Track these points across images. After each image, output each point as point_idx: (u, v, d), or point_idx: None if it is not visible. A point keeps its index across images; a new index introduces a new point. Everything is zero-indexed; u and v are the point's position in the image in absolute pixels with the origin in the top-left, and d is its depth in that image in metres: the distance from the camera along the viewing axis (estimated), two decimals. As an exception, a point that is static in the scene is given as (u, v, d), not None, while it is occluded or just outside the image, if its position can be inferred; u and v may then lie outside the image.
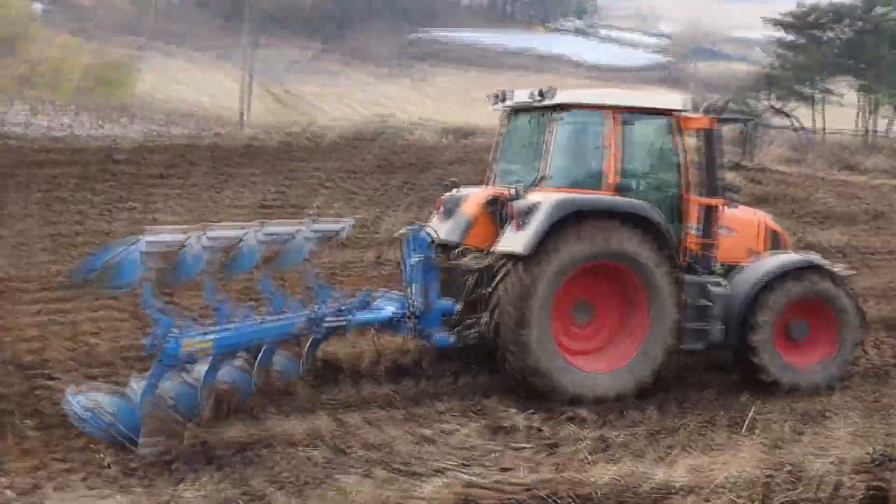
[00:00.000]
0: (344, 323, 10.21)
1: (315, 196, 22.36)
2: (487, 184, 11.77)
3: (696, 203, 11.30)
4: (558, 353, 10.35)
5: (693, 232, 11.31)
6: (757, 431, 9.74)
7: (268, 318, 9.76)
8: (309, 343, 10.51)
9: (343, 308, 10.28)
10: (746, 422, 9.92)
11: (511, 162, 11.67)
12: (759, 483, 8.16)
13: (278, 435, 8.94)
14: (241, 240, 9.52)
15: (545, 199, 10.45)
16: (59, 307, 13.39)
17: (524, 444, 9.08)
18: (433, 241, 10.89)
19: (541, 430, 9.47)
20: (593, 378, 10.45)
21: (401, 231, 11.13)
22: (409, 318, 10.48)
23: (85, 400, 8.76)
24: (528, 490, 7.86)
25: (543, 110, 11.20)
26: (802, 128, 43.04)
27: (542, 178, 10.87)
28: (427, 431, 9.33)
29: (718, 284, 11.35)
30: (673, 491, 8.00)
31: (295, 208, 20.85)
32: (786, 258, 11.70)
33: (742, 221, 12.21)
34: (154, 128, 40.44)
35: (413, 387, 10.71)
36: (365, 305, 10.61)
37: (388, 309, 10.57)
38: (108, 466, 8.20)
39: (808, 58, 45.29)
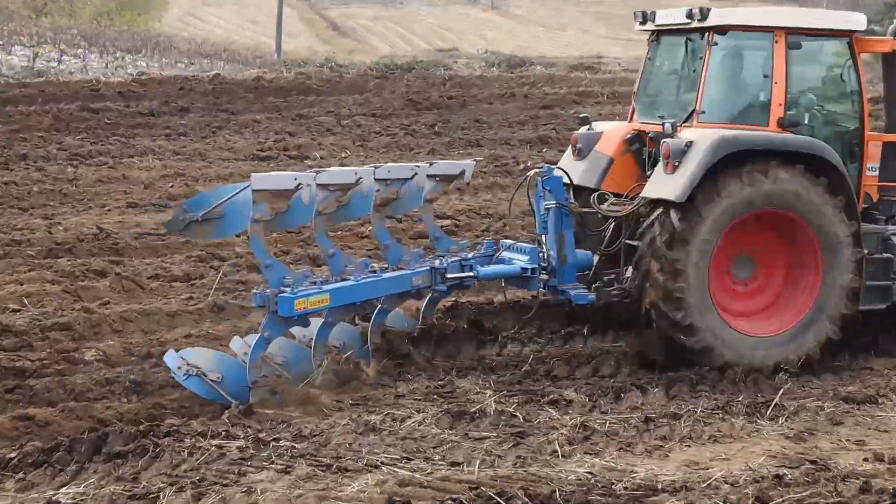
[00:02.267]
0: (472, 276, 10.45)
1: (320, 141, 22.10)
2: (629, 119, 11.75)
3: (876, 140, 11.14)
4: (715, 312, 10.34)
5: (872, 173, 11.13)
6: (783, 419, 9.30)
7: (386, 272, 10.08)
8: (427, 299, 10.77)
9: (465, 261, 10.51)
10: (771, 407, 9.46)
11: (657, 93, 11.70)
12: (767, 480, 7.76)
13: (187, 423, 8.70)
14: (356, 183, 9.78)
15: (702, 137, 10.30)
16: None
17: (488, 433, 8.73)
18: (570, 184, 11.00)
19: (514, 416, 9.12)
20: (753, 343, 10.47)
21: (531, 171, 11.09)
22: (541, 271, 10.59)
23: (185, 361, 9.22)
24: (474, 489, 7.51)
25: (696, 33, 11.05)
26: None
27: (695, 112, 10.75)
28: (373, 418, 9.00)
29: None
30: (654, 490, 7.63)
31: (292, 158, 20.65)
32: None
33: None
34: (180, 64, 40.45)
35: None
36: (489, 257, 10.84)
37: (519, 262, 10.71)
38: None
39: None
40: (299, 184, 9.34)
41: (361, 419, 8.96)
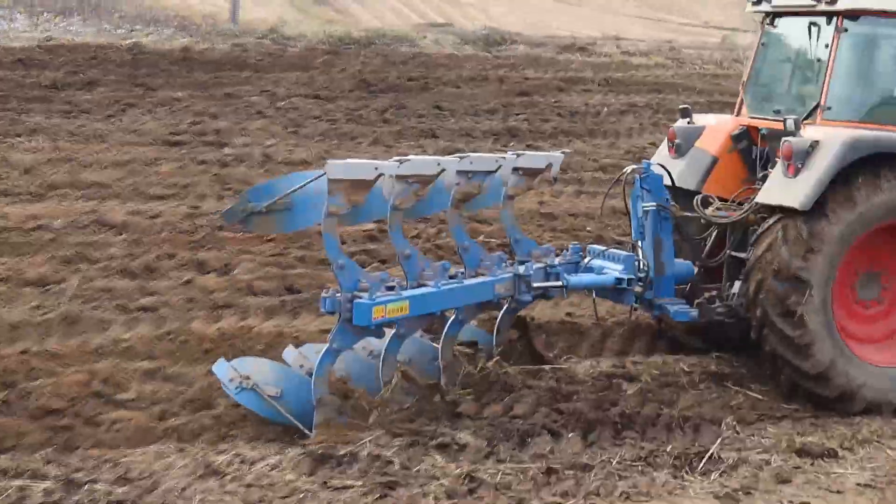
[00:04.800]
0: (559, 286, 10.52)
1: (245, 126, 21.88)
2: (736, 112, 11.90)
3: None
4: (842, 342, 10.46)
5: None
6: (717, 474, 9.05)
7: (466, 277, 10.22)
8: (503, 311, 10.80)
9: (551, 267, 10.63)
10: (704, 459, 9.22)
11: (771, 84, 11.86)
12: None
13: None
14: (439, 174, 9.97)
15: (830, 137, 10.35)
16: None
17: (353, 482, 8.50)
18: (672, 185, 11.17)
19: (389, 462, 8.87)
20: (888, 376, 10.58)
21: (628, 169, 11.11)
22: (638, 282, 10.74)
23: (236, 372, 9.41)
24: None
25: (823, 16, 11.07)
26: None
27: (819, 107, 10.82)
28: (220, 459, 8.75)
29: None
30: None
31: (208, 144, 20.44)
32: None
33: None
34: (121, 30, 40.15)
35: None
36: (575, 264, 10.98)
37: (612, 271, 10.80)
38: None
39: None
40: (380, 174, 9.51)
41: (204, 459, 8.70)
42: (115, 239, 14.65)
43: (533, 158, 11.00)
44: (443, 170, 10.01)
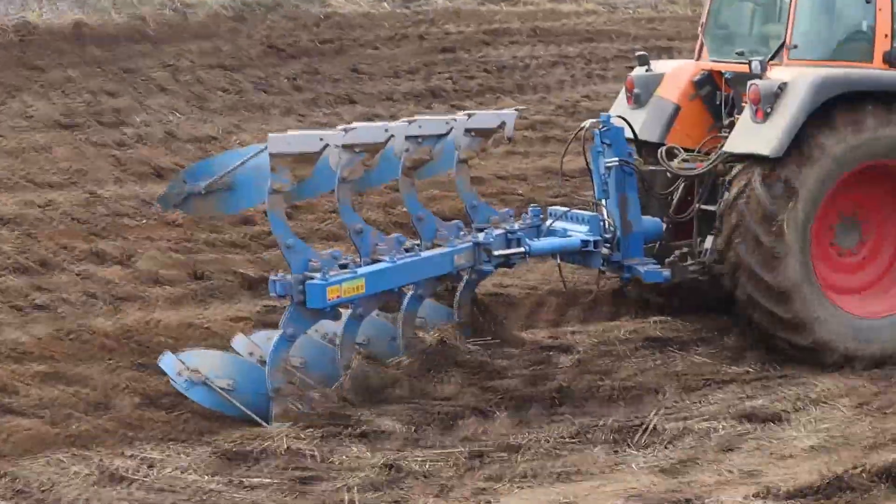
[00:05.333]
0: (522, 252, 10.55)
1: (146, 102, 21.69)
2: (696, 57, 12.01)
3: None
4: (821, 292, 10.60)
5: None
6: (659, 446, 9.11)
7: (422, 250, 10.27)
8: (463, 283, 10.82)
9: (512, 233, 10.61)
10: (645, 431, 9.27)
11: (732, 25, 12.00)
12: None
13: None
14: (387, 141, 10.06)
15: (798, 77, 10.45)
16: None
17: (268, 480, 8.48)
18: (635, 137, 11.25)
19: (306, 456, 8.85)
20: (869, 327, 10.75)
21: (585, 123, 11.19)
22: (605, 243, 10.78)
23: (184, 365, 9.45)
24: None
25: None
26: None
27: (785, 47, 10.91)
28: (125, 464, 8.68)
29: None
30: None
31: (106, 125, 20.26)
32: None
33: None
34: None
35: None
36: (536, 228, 10.98)
37: (577, 233, 10.84)
38: None
39: None
40: (326, 144, 9.57)
41: (107, 465, 8.65)
42: (5, 233, 14.44)
43: (485, 118, 11.04)
44: (391, 136, 10.05)
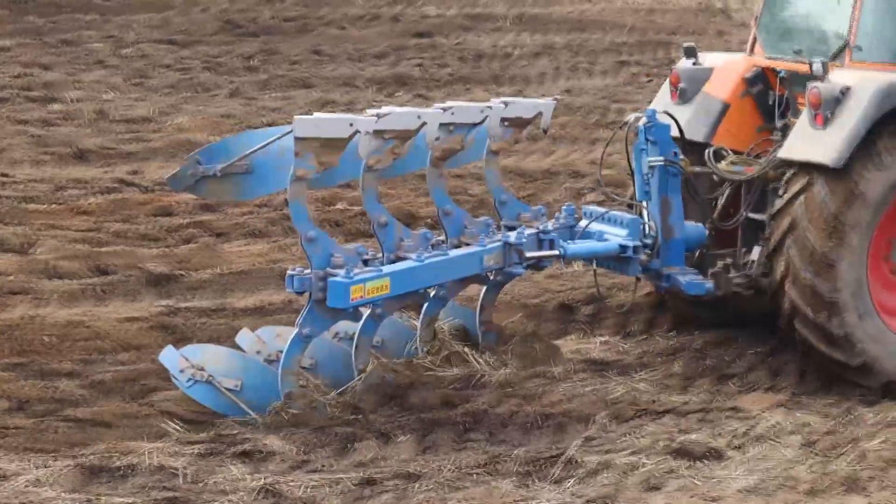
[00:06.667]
0: (556, 255, 10.68)
1: (80, 78, 21.69)
2: (749, 51, 12.03)
3: None
4: (875, 310, 10.68)
5: None
6: (573, 481, 8.98)
7: (449, 249, 10.36)
8: (488, 285, 11.01)
9: (545, 234, 10.70)
10: (560, 464, 9.17)
11: (789, 20, 11.93)
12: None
13: None
14: (419, 128, 10.09)
15: (862, 82, 10.51)
16: None
17: (124, 499, 8.42)
18: (681, 136, 11.31)
19: (175, 475, 8.79)
20: None
21: (630, 117, 11.27)
22: (644, 249, 10.85)
23: (188, 362, 9.59)
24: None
25: None
26: None
27: (848, 47, 10.97)
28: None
29: None
30: None
31: (34, 101, 20.26)
32: None
33: None
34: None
35: None
36: (570, 228, 11.07)
37: (615, 236, 10.87)
38: None
39: None
40: (356, 130, 9.59)
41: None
42: None
43: (523, 107, 11.10)
44: (423, 123, 10.06)
